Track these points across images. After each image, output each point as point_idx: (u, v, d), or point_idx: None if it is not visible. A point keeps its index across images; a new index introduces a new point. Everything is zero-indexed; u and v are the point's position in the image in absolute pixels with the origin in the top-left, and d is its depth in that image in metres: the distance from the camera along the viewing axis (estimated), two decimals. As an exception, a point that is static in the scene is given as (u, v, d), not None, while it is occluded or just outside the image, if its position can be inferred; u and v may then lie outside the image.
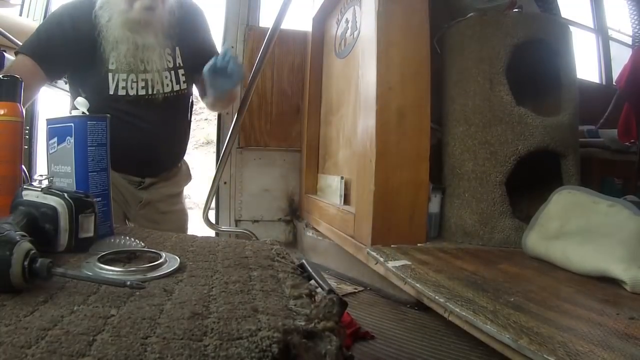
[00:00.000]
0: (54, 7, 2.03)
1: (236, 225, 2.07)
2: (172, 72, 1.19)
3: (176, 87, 1.20)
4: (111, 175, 0.76)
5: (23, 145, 0.70)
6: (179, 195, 1.36)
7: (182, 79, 1.21)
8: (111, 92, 1.12)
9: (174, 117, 1.24)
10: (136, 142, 1.15)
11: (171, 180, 1.32)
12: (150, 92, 1.15)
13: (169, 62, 1.18)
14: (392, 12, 1.27)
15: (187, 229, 1.38)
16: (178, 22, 1.18)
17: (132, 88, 1.14)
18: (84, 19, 1.10)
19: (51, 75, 1.13)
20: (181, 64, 1.21)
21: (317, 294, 0.48)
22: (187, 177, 1.40)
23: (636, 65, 2.08)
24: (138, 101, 1.15)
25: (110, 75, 1.12)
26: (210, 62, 1.14)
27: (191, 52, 1.22)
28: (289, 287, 0.49)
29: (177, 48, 1.20)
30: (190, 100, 1.31)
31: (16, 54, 1.12)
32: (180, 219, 1.36)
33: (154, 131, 1.18)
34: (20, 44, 1.38)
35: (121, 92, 1.13)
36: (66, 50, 1.10)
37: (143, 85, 1.14)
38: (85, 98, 1.02)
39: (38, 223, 0.56)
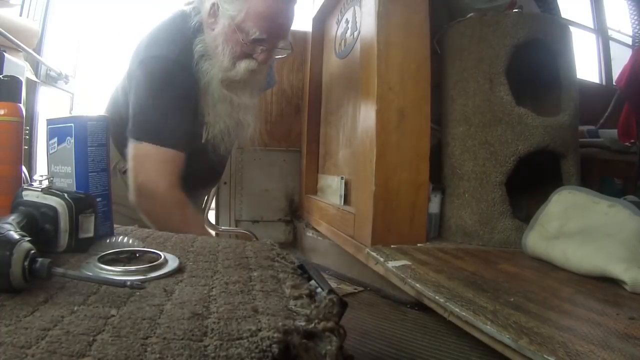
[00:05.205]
0: (54, 7, 2.03)
1: (236, 226, 2.07)
2: None
3: None
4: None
5: (23, 145, 0.70)
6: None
7: None
8: (203, 141, 1.15)
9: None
10: (205, 181, 1.23)
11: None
12: (231, 136, 1.20)
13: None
14: (392, 12, 1.27)
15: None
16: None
17: (218, 137, 1.17)
18: (190, 74, 1.07)
19: None
20: None
21: (317, 295, 0.48)
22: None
23: (636, 65, 2.08)
24: (220, 143, 1.18)
25: (205, 126, 1.14)
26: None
27: None
28: (289, 287, 0.49)
29: None
30: None
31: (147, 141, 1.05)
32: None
33: (221, 164, 1.25)
34: (20, 43, 1.35)
35: (210, 140, 1.17)
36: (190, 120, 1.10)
37: (227, 131, 1.18)
38: None
39: (38, 223, 0.56)
